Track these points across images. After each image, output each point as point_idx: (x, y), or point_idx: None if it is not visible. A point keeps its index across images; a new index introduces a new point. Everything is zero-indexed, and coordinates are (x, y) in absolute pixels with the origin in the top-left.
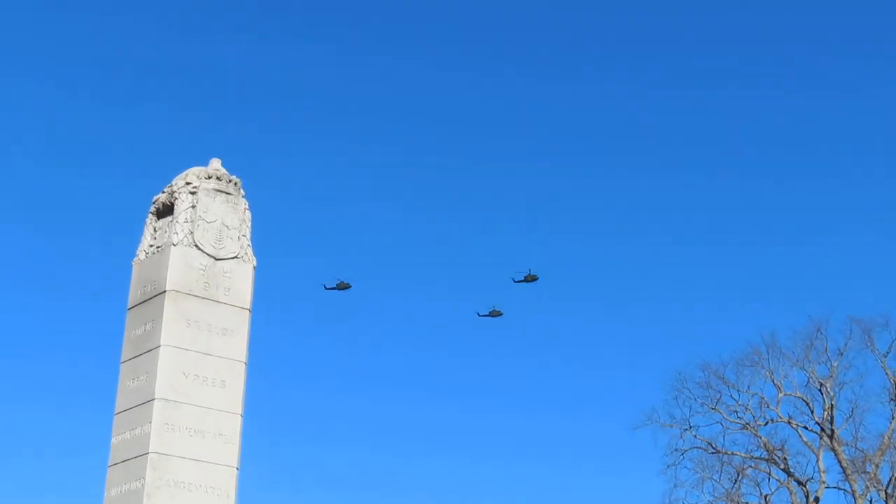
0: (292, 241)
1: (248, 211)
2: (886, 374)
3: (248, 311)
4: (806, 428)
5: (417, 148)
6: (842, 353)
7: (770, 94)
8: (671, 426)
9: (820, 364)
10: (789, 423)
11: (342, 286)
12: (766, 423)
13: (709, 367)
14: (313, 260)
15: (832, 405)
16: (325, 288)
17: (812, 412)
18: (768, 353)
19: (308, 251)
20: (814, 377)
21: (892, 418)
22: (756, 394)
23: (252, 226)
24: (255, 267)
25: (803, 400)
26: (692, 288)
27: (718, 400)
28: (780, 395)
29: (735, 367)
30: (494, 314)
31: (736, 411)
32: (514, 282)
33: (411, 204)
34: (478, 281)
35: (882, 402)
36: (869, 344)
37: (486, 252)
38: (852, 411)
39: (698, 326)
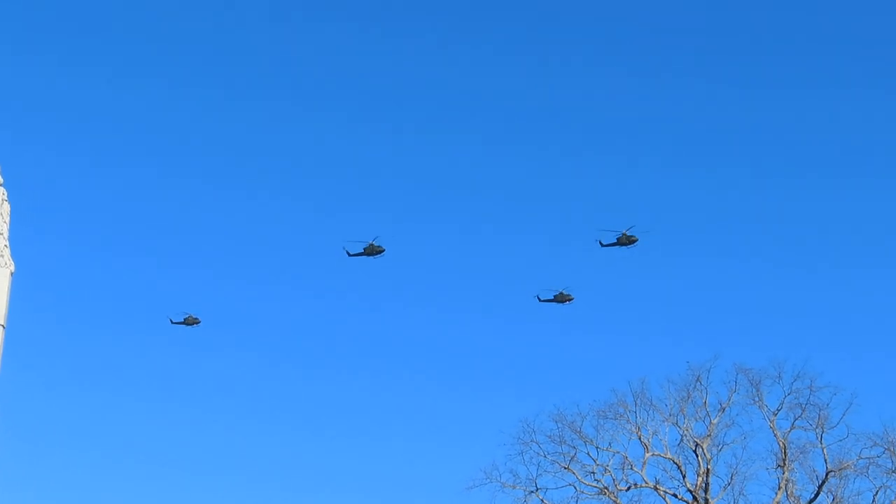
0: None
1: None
2: (775, 435)
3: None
4: (675, 496)
5: None
6: (724, 409)
7: None
8: (514, 487)
9: (697, 420)
10: (656, 489)
11: (190, 321)
12: (629, 489)
13: (563, 417)
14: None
15: (708, 470)
16: (172, 322)
17: (684, 477)
18: (636, 405)
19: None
20: (689, 435)
21: (779, 488)
22: (618, 452)
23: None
24: (12, 273)
25: (674, 462)
26: (548, 321)
27: (573, 458)
28: (648, 455)
29: (595, 420)
30: (562, 299)
31: (593, 472)
32: (540, 301)
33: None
34: None
35: (767, 469)
36: (757, 399)
37: None
38: (732, 478)
39: (553, 368)
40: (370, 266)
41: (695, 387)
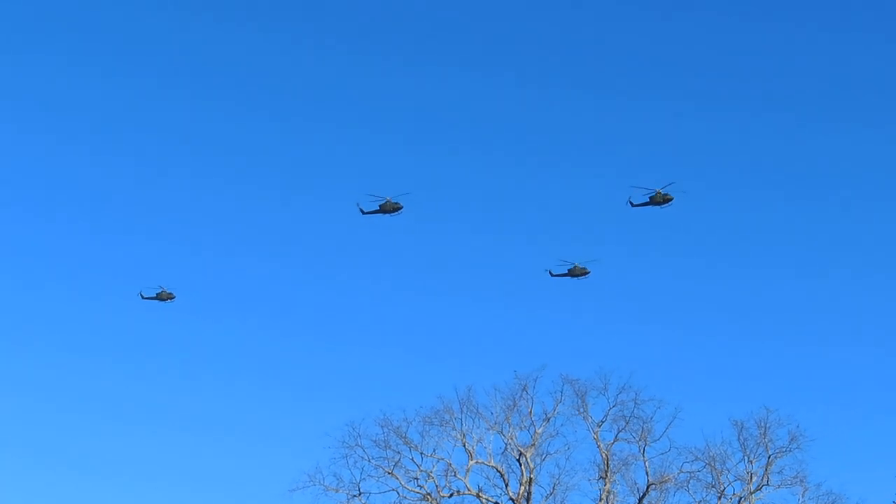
0: None
1: None
2: (598, 446)
3: None
4: None
5: None
6: (549, 419)
7: None
8: (337, 490)
9: (522, 429)
10: (478, 496)
11: (163, 296)
12: (451, 496)
13: (389, 422)
14: None
15: (531, 479)
16: (143, 297)
17: (507, 485)
18: (462, 412)
19: None
20: (513, 444)
21: (600, 500)
22: (442, 459)
23: None
24: None
25: (497, 470)
26: (378, 327)
27: (397, 463)
28: (471, 462)
29: (420, 426)
30: (577, 273)
31: (416, 478)
32: (552, 275)
33: None
34: None
35: (589, 480)
36: (582, 410)
37: None
38: (554, 488)
39: (381, 373)
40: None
41: (521, 396)
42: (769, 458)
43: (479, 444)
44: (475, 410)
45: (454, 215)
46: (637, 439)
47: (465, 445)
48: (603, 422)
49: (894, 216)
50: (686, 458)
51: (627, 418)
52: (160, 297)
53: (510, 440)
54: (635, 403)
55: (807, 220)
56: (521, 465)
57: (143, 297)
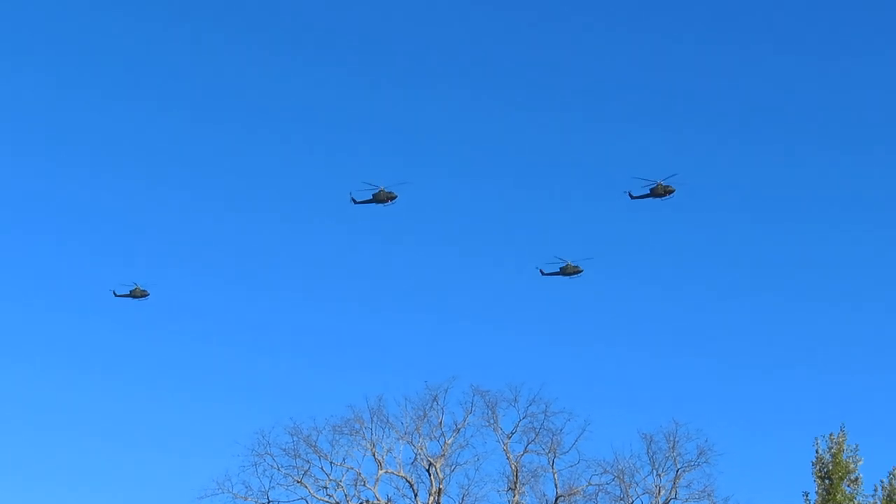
0: None
1: None
2: (508, 458)
3: None
4: None
5: None
6: (459, 429)
7: None
8: (245, 499)
9: (432, 440)
10: None
11: (137, 294)
12: None
13: (299, 431)
14: None
15: (440, 490)
16: (116, 295)
17: (416, 496)
18: (372, 422)
19: None
20: (423, 454)
21: None
22: (352, 468)
23: None
24: None
25: (407, 480)
26: (289, 334)
27: (306, 472)
28: (381, 472)
29: (330, 435)
30: (569, 271)
31: (326, 487)
32: (543, 274)
33: None
34: None
35: (498, 491)
36: (492, 421)
37: None
38: (463, 498)
39: (292, 381)
40: None
41: (431, 406)
42: (677, 471)
43: (389, 453)
44: (385, 420)
45: (358, 226)
46: (546, 451)
47: (374, 455)
48: (513, 433)
49: (796, 238)
50: (595, 470)
51: (537, 430)
52: (133, 295)
53: (420, 450)
54: (545, 415)
55: (714, 239)
56: (430, 475)
57: (115, 295)
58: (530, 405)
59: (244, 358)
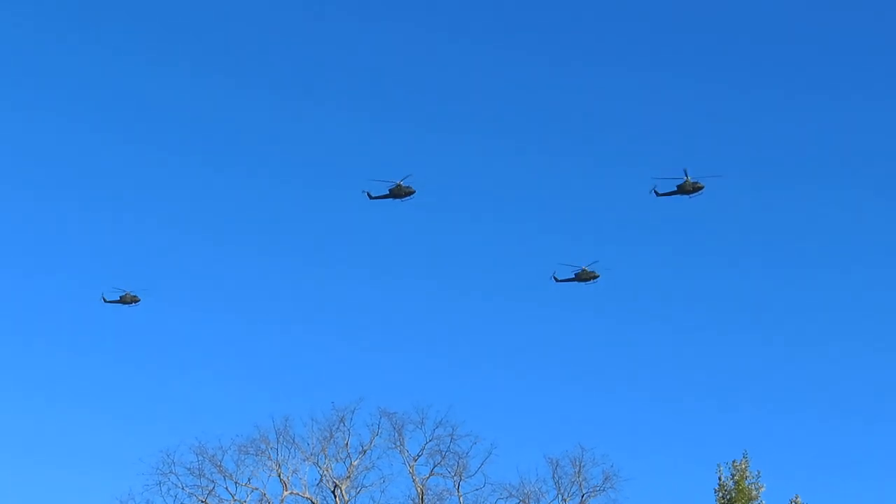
0: None
1: None
2: (414, 480)
3: None
4: None
5: None
6: (365, 451)
7: None
8: None
9: (338, 461)
10: None
11: (127, 300)
12: None
13: (204, 450)
14: None
15: None
16: (105, 301)
17: None
18: (278, 442)
19: None
20: (328, 476)
21: None
22: (257, 489)
23: None
24: None
25: (312, 502)
26: (194, 352)
27: (211, 492)
28: (286, 493)
29: (236, 455)
30: (585, 277)
31: None
32: (557, 281)
33: None
34: None
35: None
36: (398, 443)
37: None
38: None
39: (198, 399)
40: None
41: (338, 427)
42: (583, 496)
43: (295, 474)
44: (291, 441)
45: (265, 241)
46: (452, 474)
47: (280, 476)
48: (419, 456)
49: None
50: (500, 494)
51: (443, 453)
52: (124, 301)
53: (326, 472)
54: (451, 438)
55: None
56: (336, 496)
57: (105, 301)
58: (437, 428)
59: (150, 375)
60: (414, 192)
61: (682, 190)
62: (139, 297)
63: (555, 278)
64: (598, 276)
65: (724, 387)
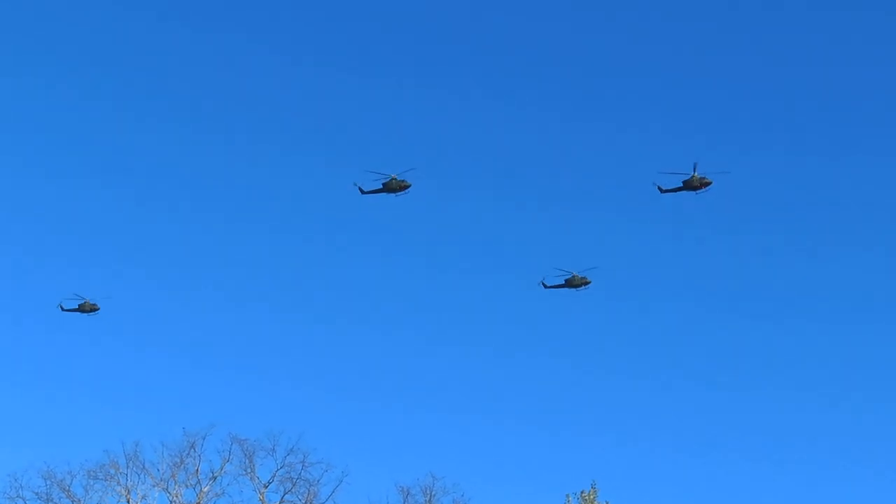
0: None
1: None
2: None
3: None
4: None
5: None
6: (215, 477)
7: None
8: None
9: (188, 487)
10: None
11: (86, 308)
12: None
13: (52, 475)
14: None
15: None
16: (63, 309)
17: None
18: (128, 467)
19: None
20: (178, 502)
21: None
22: None
23: None
24: None
25: None
26: (41, 373)
27: None
28: None
29: (85, 480)
30: (576, 283)
31: None
32: (546, 287)
33: None
34: None
35: None
36: (249, 470)
37: None
38: None
39: (46, 423)
40: None
41: (188, 453)
42: None
43: (144, 500)
44: (141, 466)
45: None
46: (303, 501)
47: (129, 501)
48: (270, 483)
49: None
50: None
51: (294, 480)
52: (82, 309)
53: (175, 497)
54: (303, 465)
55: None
56: None
57: (63, 309)
58: (288, 455)
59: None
60: (410, 185)
61: (689, 186)
62: (98, 305)
63: (543, 284)
64: (589, 283)
65: (573, 416)
